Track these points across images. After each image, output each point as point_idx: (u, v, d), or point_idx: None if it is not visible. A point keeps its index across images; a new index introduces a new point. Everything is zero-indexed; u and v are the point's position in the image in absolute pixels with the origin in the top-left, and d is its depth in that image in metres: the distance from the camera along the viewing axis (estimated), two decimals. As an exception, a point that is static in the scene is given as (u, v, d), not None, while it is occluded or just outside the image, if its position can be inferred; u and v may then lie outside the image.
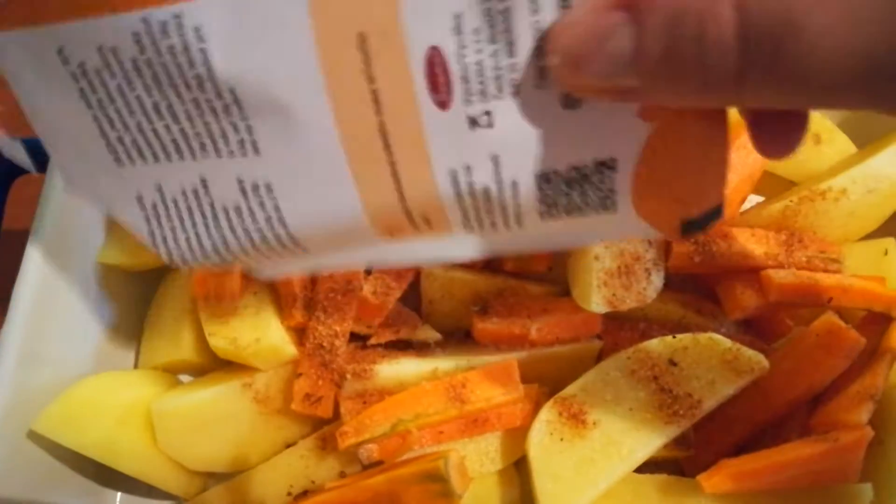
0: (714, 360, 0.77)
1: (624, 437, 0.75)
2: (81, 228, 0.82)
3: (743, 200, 0.90)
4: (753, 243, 0.83)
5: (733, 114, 0.90)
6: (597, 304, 0.77)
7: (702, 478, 0.75)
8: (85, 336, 0.82)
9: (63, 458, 0.77)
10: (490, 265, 0.89)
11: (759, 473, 0.75)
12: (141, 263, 0.86)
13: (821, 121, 0.95)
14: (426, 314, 0.86)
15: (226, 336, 0.77)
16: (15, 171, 0.85)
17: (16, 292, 0.74)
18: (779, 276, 0.80)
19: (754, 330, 0.87)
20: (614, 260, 0.79)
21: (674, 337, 0.79)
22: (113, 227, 0.86)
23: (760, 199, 0.96)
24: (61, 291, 0.79)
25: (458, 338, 0.87)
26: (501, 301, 0.84)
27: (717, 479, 0.74)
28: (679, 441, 0.78)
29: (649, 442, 0.75)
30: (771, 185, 0.94)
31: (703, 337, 0.78)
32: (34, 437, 0.73)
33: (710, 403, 0.77)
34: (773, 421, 0.79)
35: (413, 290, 0.87)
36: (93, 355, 0.83)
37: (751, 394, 0.78)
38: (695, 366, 0.77)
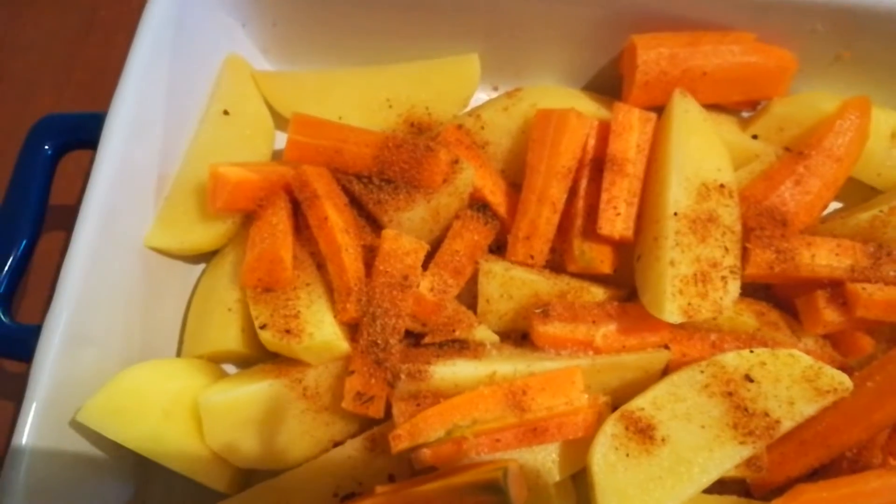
0: (794, 377, 0.72)
1: (695, 455, 0.71)
2: (130, 210, 0.79)
3: (825, 207, 0.85)
4: (839, 254, 0.78)
5: (823, 98, 0.84)
6: (671, 313, 0.72)
7: (777, 504, 0.70)
8: (129, 319, 0.80)
9: (104, 447, 0.75)
10: (551, 265, 0.84)
11: (838, 503, 0.70)
12: (188, 248, 0.83)
13: (908, 123, 0.89)
14: (482, 313, 0.82)
15: (276, 329, 0.74)
16: (65, 145, 0.82)
17: (64, 270, 0.71)
18: (867, 291, 0.75)
19: (831, 345, 0.82)
20: (690, 266, 0.75)
21: (751, 351, 0.74)
22: (162, 211, 0.83)
23: (840, 205, 0.91)
24: (108, 272, 0.76)
25: (515, 340, 0.83)
26: (564, 304, 0.80)
27: (794, 506, 0.70)
28: (751, 461, 0.73)
29: (722, 462, 0.71)
30: (853, 192, 0.89)
31: (783, 353, 0.74)
32: (77, 426, 0.71)
33: (788, 424, 0.72)
34: (853, 445, 0.74)
35: (470, 288, 0.83)
36: (136, 339, 0.80)
37: (830, 415, 0.74)
38: (773, 383, 0.72)
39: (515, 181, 0.88)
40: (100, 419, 0.69)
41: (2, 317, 0.76)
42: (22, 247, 0.79)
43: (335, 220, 0.78)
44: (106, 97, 0.79)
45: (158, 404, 0.72)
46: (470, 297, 0.83)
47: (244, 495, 0.77)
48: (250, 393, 0.74)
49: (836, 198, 0.88)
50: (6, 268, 0.76)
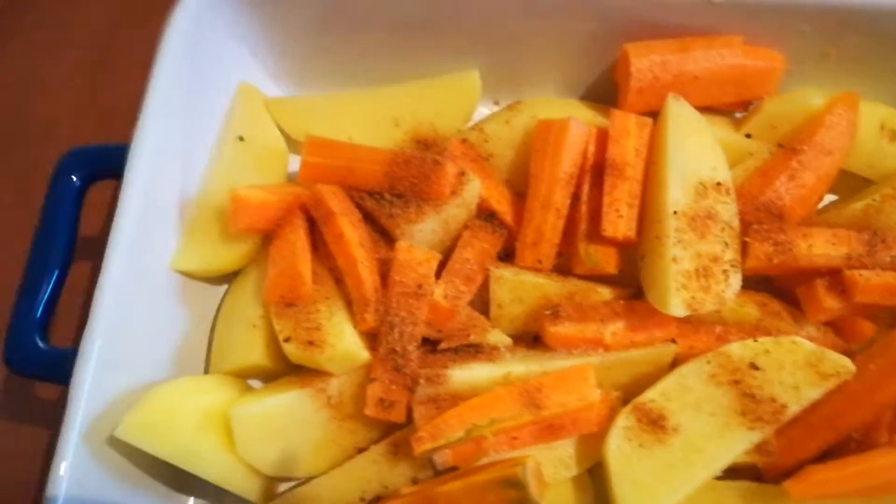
0: (798, 363, 0.75)
1: (706, 443, 0.73)
2: (156, 236, 0.83)
3: (820, 199, 0.88)
4: (835, 243, 0.81)
5: (813, 95, 0.88)
6: (676, 307, 0.75)
7: (788, 485, 0.73)
8: (159, 341, 0.83)
9: (139, 462, 0.78)
10: (558, 268, 0.88)
11: (848, 481, 0.72)
12: (213, 270, 0.87)
13: (896, 116, 0.92)
14: (495, 318, 0.85)
15: (300, 341, 0.77)
16: (91, 176, 0.87)
17: (96, 299, 0.75)
18: (863, 277, 0.78)
19: (833, 332, 0.84)
20: (692, 262, 0.78)
21: (755, 340, 0.77)
22: (185, 234, 0.87)
23: (835, 197, 0.94)
24: (137, 298, 0.79)
25: (527, 342, 0.86)
26: (573, 304, 0.83)
27: (805, 487, 0.72)
28: (760, 446, 0.76)
29: (732, 448, 0.74)
30: (846, 184, 0.92)
31: (786, 340, 0.76)
32: (114, 442, 0.74)
33: (794, 408, 0.75)
34: (859, 426, 0.77)
35: (481, 294, 0.86)
36: (166, 361, 0.84)
37: (835, 398, 0.76)
38: (778, 370, 0.75)
39: (520, 190, 0.91)
40: (138, 434, 0.73)
41: (39, 342, 0.80)
42: (55, 275, 0.83)
43: (350, 235, 0.81)
44: (119, 130, 0.84)
45: (191, 418, 0.75)
46: (482, 303, 0.87)
47: None
48: (278, 404, 0.77)
49: (831, 190, 0.90)
50: (44, 295, 0.80)
